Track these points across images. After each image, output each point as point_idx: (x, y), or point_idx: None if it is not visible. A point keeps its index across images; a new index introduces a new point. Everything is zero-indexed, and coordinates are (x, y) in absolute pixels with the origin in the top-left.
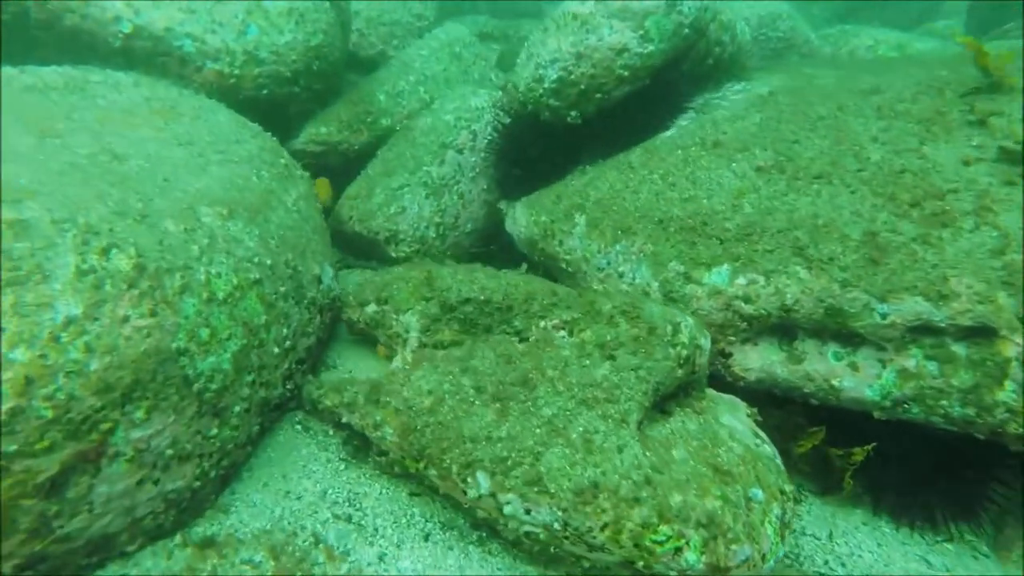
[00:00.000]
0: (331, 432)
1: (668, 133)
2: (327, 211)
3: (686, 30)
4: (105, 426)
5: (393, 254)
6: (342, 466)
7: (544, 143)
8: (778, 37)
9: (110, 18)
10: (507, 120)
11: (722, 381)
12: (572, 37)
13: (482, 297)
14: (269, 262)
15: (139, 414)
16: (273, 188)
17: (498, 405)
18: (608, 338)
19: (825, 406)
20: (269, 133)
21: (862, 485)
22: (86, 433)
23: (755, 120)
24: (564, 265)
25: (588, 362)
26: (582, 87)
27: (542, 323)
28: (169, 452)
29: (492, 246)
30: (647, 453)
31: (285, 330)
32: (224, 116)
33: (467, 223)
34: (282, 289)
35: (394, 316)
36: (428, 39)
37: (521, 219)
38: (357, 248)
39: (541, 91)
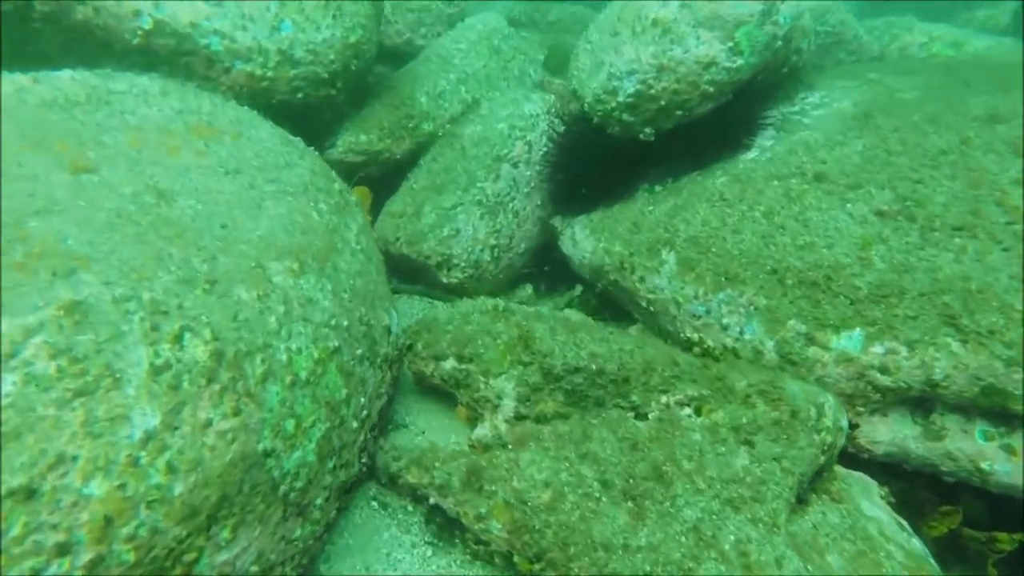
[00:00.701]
0: (410, 508)
1: (751, 155)
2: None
3: (779, 42)
4: (189, 557)
5: (445, 280)
6: (429, 551)
7: (606, 156)
8: (827, 32)
9: (129, 12)
10: (562, 128)
11: (843, 451)
12: (653, 47)
13: (594, 367)
14: (346, 323)
15: (225, 534)
16: (335, 225)
17: (631, 504)
18: (744, 421)
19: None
20: (312, 148)
21: (1003, 573)
22: (169, 570)
23: (857, 148)
24: (644, 303)
25: (723, 449)
26: (662, 103)
27: (663, 398)
28: (254, 570)
29: (545, 267)
30: (808, 566)
31: (363, 399)
32: (266, 131)
33: (521, 243)
34: (359, 352)
35: (482, 379)
36: (464, 30)
37: (585, 244)
38: (403, 269)
39: (614, 104)
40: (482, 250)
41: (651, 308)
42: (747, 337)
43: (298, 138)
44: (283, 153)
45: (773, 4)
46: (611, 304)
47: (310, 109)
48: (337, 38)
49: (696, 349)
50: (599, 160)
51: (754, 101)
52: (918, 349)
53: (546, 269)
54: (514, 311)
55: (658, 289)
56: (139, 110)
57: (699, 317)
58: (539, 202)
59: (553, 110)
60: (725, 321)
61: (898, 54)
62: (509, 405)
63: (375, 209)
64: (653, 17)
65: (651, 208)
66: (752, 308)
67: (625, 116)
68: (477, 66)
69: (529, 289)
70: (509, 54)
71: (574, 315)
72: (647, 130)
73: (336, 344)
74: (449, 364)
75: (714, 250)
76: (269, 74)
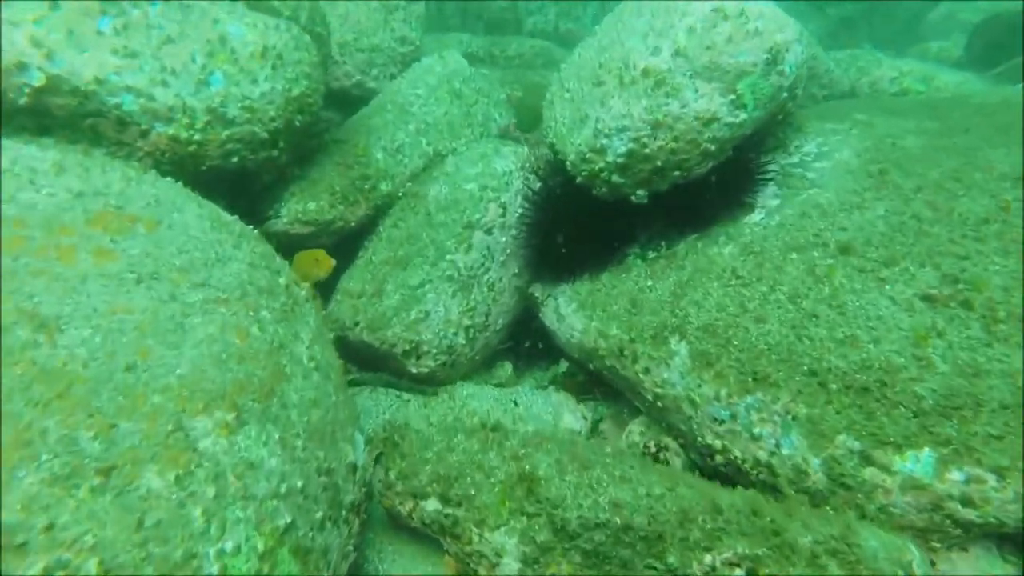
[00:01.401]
0: None
1: (757, 218)
2: (323, 288)
3: (784, 94)
4: None
5: (414, 370)
6: None
7: (590, 216)
8: None
9: (13, 64)
10: (537, 185)
11: None
12: (645, 100)
13: (618, 520)
14: (300, 483)
15: None
16: (282, 339)
17: None
18: None
19: None
20: (251, 229)
21: None
22: None
23: (879, 213)
24: (649, 396)
25: None
26: (658, 163)
27: (707, 558)
28: None
29: (526, 342)
30: None
31: (326, 572)
32: (192, 214)
33: (498, 319)
34: (319, 515)
35: (475, 529)
36: (423, 73)
37: (573, 321)
38: (363, 356)
39: (602, 165)
40: (455, 333)
41: (659, 403)
42: (785, 451)
43: (234, 218)
44: (214, 243)
45: (778, 52)
46: (602, 383)
47: (248, 174)
48: (278, 91)
49: (720, 459)
50: (582, 221)
51: (748, 151)
52: (1010, 478)
53: (527, 345)
54: (507, 433)
55: (668, 384)
56: (21, 195)
57: (722, 422)
58: (516, 270)
59: (527, 164)
60: (756, 431)
61: (869, 88)
62: (512, 566)
63: (329, 284)
64: (644, 66)
65: (650, 284)
66: (790, 417)
67: (615, 177)
68: (438, 114)
69: (508, 368)
70: (471, 98)
71: (578, 439)
72: (640, 192)
73: (288, 519)
74: (431, 506)
75: (736, 343)
76: (197, 137)
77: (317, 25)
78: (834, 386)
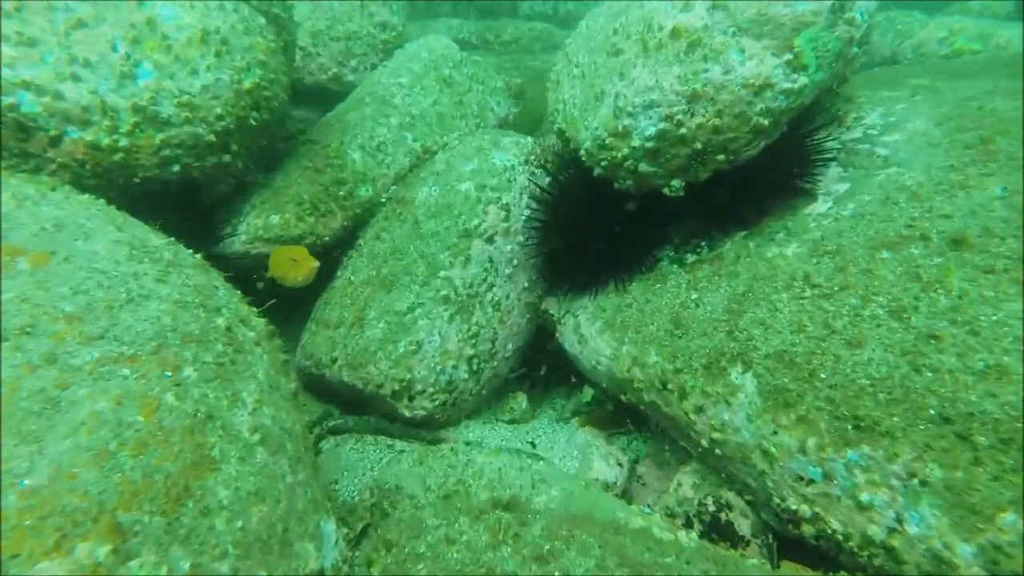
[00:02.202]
0: None
1: (823, 208)
2: (306, 290)
3: (854, 49)
4: None
5: (407, 412)
6: None
7: (611, 213)
8: None
9: None
10: (546, 180)
11: None
12: (678, 67)
13: None
14: None
15: None
16: (211, 407)
17: None
18: None
19: None
20: (191, 252)
21: None
22: None
23: (993, 192)
24: (703, 441)
25: None
26: (698, 145)
27: None
28: None
29: (541, 368)
30: None
31: None
32: (105, 240)
33: (507, 343)
34: None
35: None
36: (405, 59)
37: (600, 344)
38: (345, 397)
39: (626, 151)
40: (455, 366)
41: (717, 450)
42: (913, 530)
43: (166, 241)
44: (127, 278)
45: None
46: (634, 413)
47: (196, 185)
48: (224, 83)
49: (809, 529)
50: (602, 221)
51: (797, 126)
52: None
53: (543, 372)
54: (526, 514)
55: (729, 428)
56: None
57: (811, 482)
58: (526, 284)
59: (533, 157)
60: (864, 497)
61: (913, 53)
62: None
63: (298, 314)
64: (672, 26)
65: (695, 296)
66: (917, 482)
67: (643, 166)
68: (425, 104)
69: (522, 400)
70: (464, 85)
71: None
72: (674, 183)
73: None
74: None
75: (823, 376)
76: (123, 142)
77: (274, 6)
78: (983, 439)
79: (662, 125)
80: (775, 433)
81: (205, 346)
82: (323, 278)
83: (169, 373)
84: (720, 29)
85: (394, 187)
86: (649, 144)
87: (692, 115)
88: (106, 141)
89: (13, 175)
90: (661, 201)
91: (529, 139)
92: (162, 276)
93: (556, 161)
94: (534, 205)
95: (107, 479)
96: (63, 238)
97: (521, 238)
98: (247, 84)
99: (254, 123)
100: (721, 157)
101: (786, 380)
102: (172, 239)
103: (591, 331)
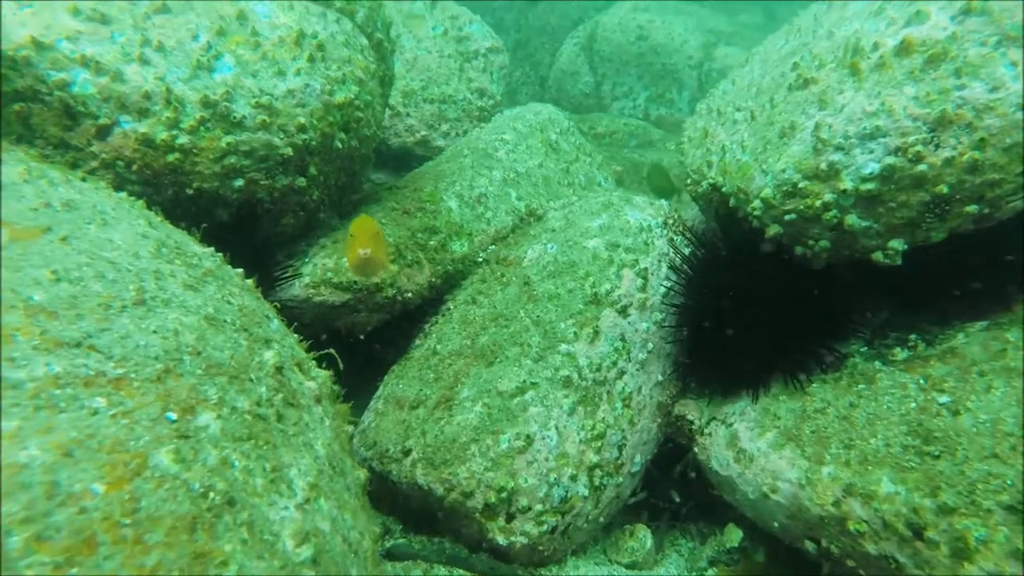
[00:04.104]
0: None
1: None
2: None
3: None
4: None
5: (501, 539)
6: None
7: (780, 292)
8: None
9: None
10: (687, 250)
11: None
12: (913, 87)
13: None
14: None
15: None
16: (236, 488)
17: None
18: None
19: None
20: (237, 272)
21: None
22: None
23: None
24: None
25: None
26: (941, 189)
27: None
28: None
29: (673, 497)
30: None
31: None
32: (126, 230)
33: (635, 455)
34: None
35: None
36: (509, 119)
37: (778, 465)
38: (414, 509)
39: (828, 198)
40: (574, 476)
41: None
42: None
43: (208, 250)
44: (143, 275)
45: None
46: (815, 570)
47: (258, 211)
48: (314, 91)
49: None
50: (766, 301)
51: None
52: None
53: (676, 501)
54: None
55: None
56: None
57: None
58: (659, 377)
59: (672, 221)
60: None
61: None
62: None
63: (362, 390)
64: (902, 39)
65: (946, 401)
66: None
67: (853, 218)
68: (531, 164)
69: (646, 539)
70: (571, 153)
71: None
72: (894, 245)
73: None
74: None
75: None
76: (181, 139)
77: (378, 31)
78: None
79: (889, 160)
80: None
81: (240, 385)
82: (398, 346)
83: (174, 416)
84: (975, 39)
85: (494, 247)
86: (866, 187)
87: (937, 146)
88: (162, 136)
89: (44, 163)
90: (852, 275)
91: (664, 203)
92: (195, 283)
93: (696, 238)
94: (674, 277)
95: None
96: (70, 218)
97: (659, 315)
98: (339, 98)
99: (340, 146)
100: (972, 209)
101: None
102: (219, 252)
103: (759, 445)
